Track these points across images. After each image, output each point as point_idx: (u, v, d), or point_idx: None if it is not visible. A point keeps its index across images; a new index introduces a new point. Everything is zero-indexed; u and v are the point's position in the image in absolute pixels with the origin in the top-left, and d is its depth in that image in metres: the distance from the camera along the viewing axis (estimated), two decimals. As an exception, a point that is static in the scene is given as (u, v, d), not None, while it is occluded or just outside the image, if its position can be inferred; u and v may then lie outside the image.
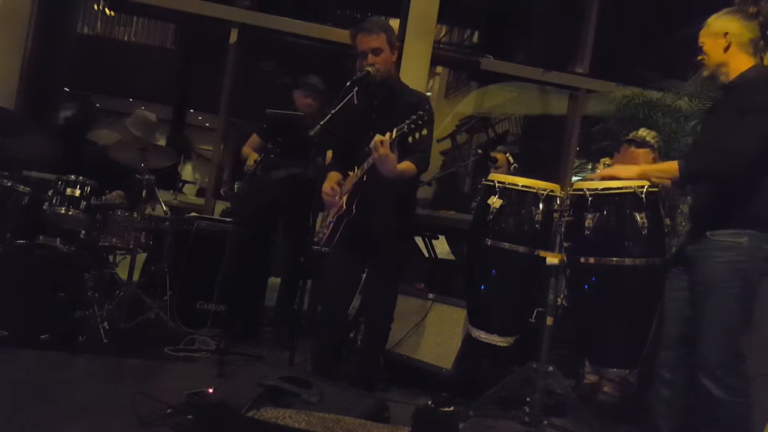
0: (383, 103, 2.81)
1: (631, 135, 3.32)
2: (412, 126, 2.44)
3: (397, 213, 2.84)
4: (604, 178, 2.47)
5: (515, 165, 3.99)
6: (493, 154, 3.88)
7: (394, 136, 2.46)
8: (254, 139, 3.96)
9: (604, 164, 3.49)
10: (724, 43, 2.27)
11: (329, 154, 2.68)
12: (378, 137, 2.49)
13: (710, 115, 2.50)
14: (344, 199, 2.72)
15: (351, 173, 2.76)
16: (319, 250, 2.91)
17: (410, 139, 2.45)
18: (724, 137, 2.20)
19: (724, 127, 2.23)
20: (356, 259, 2.89)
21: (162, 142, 5.12)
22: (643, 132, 3.31)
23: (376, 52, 2.71)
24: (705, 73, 2.39)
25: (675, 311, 2.40)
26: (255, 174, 3.57)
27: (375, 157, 2.51)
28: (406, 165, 2.64)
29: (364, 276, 3.06)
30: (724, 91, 2.36)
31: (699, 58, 2.36)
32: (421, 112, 2.45)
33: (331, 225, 2.74)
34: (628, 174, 2.38)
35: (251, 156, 3.84)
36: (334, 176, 2.87)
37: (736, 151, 2.14)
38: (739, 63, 2.28)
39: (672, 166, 2.27)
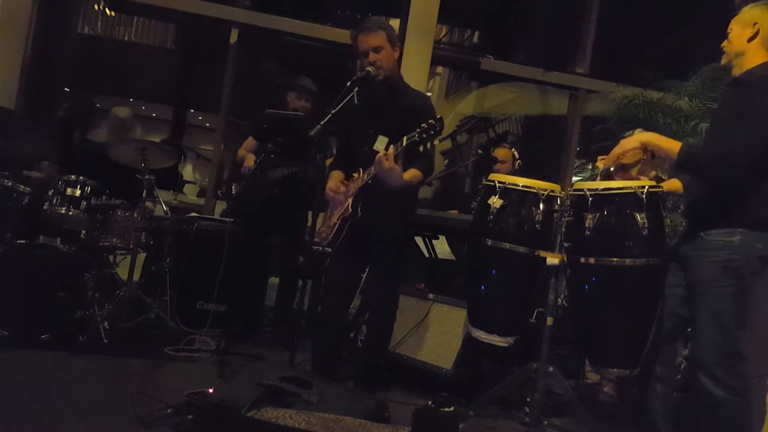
0: (384, 103, 2.80)
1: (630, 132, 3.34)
2: (424, 136, 2.43)
3: (399, 214, 2.83)
4: (610, 168, 2.45)
5: (520, 161, 3.99)
6: (496, 151, 3.89)
7: (404, 144, 2.47)
8: (250, 141, 3.96)
9: (603, 163, 3.50)
10: (751, 33, 2.28)
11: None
12: (381, 152, 2.50)
13: (718, 109, 2.51)
14: (349, 201, 2.72)
15: (355, 174, 2.75)
16: (320, 250, 2.89)
17: (421, 148, 2.45)
18: (724, 139, 2.19)
19: (725, 127, 2.23)
20: (357, 259, 2.88)
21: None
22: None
23: (376, 50, 2.71)
24: (723, 61, 2.39)
25: (669, 308, 2.40)
26: (255, 174, 3.57)
27: (379, 171, 2.53)
28: (412, 173, 2.67)
29: (364, 276, 3.06)
30: (731, 86, 2.37)
31: (723, 44, 2.36)
32: (433, 122, 2.44)
33: (335, 226, 2.74)
34: (631, 143, 2.35)
35: (248, 158, 3.84)
36: (337, 175, 2.88)
37: (732, 155, 2.13)
38: (755, 57, 2.28)
39: (674, 147, 2.26)
